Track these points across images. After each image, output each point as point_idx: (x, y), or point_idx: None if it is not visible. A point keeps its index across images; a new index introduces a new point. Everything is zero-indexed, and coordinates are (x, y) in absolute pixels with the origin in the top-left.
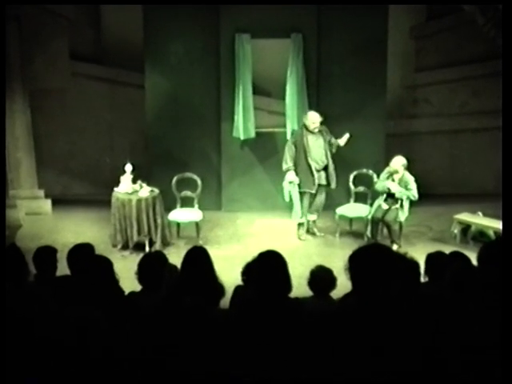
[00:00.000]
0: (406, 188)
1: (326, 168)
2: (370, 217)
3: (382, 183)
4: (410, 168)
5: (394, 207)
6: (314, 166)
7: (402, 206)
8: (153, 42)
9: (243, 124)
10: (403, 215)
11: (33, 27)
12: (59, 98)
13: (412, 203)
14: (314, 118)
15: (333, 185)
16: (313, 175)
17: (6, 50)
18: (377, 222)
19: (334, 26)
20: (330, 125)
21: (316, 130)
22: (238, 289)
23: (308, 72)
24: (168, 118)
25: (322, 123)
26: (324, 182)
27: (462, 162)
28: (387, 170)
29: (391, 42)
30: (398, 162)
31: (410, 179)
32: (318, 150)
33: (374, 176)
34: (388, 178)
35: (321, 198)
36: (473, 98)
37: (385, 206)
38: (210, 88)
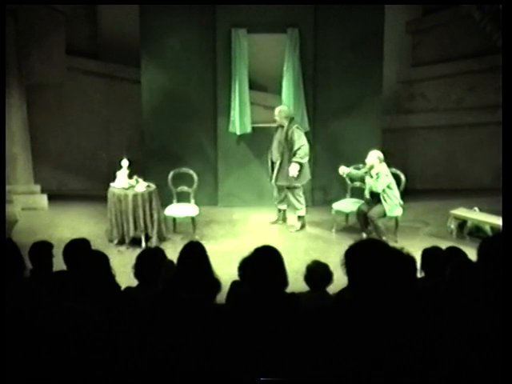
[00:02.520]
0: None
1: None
2: (356, 210)
3: (356, 172)
4: (405, 163)
5: (379, 203)
6: (271, 157)
7: (384, 200)
8: (149, 36)
9: (239, 119)
10: (392, 210)
11: (29, 22)
12: (55, 92)
13: (405, 197)
14: (274, 112)
15: (272, 180)
16: (273, 167)
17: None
18: (363, 214)
19: (330, 20)
20: (327, 120)
21: (276, 124)
22: (234, 284)
23: (304, 67)
24: (164, 113)
25: (291, 120)
26: (274, 174)
27: (458, 157)
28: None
29: (387, 36)
30: (373, 157)
31: (382, 173)
32: (276, 144)
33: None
34: (366, 173)
35: (288, 194)
36: (469, 93)
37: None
38: (206, 83)
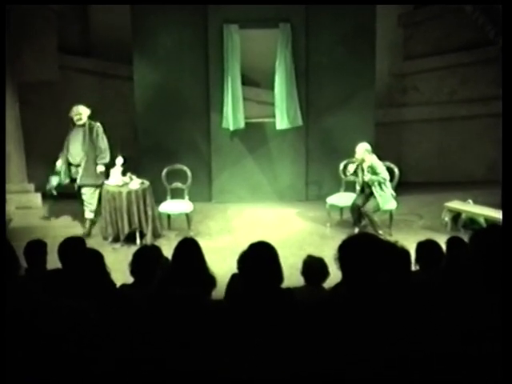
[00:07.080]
0: (375, 173)
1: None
2: (350, 204)
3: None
4: (398, 156)
5: (372, 197)
6: (71, 160)
7: (377, 193)
8: (141, 33)
9: (232, 115)
10: (385, 203)
11: (21, 20)
12: (48, 90)
13: (399, 191)
14: (75, 110)
15: (78, 180)
16: (70, 170)
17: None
18: (357, 209)
19: (322, 15)
20: (320, 114)
21: (78, 123)
22: (234, 277)
23: (297, 62)
24: (157, 109)
25: (90, 117)
26: (80, 174)
27: (451, 149)
28: (355, 161)
29: (379, 30)
30: (361, 150)
31: (378, 164)
32: (75, 145)
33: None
34: (357, 168)
35: (86, 193)
36: (461, 85)
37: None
38: (198, 79)
